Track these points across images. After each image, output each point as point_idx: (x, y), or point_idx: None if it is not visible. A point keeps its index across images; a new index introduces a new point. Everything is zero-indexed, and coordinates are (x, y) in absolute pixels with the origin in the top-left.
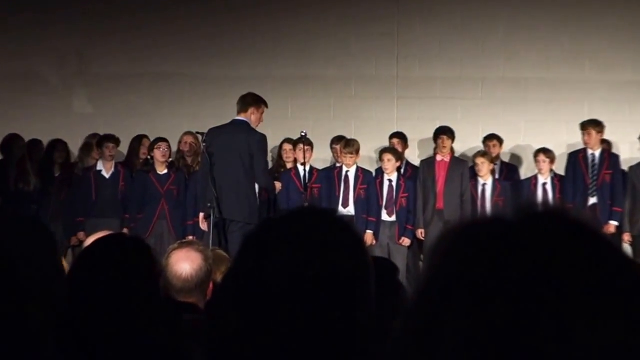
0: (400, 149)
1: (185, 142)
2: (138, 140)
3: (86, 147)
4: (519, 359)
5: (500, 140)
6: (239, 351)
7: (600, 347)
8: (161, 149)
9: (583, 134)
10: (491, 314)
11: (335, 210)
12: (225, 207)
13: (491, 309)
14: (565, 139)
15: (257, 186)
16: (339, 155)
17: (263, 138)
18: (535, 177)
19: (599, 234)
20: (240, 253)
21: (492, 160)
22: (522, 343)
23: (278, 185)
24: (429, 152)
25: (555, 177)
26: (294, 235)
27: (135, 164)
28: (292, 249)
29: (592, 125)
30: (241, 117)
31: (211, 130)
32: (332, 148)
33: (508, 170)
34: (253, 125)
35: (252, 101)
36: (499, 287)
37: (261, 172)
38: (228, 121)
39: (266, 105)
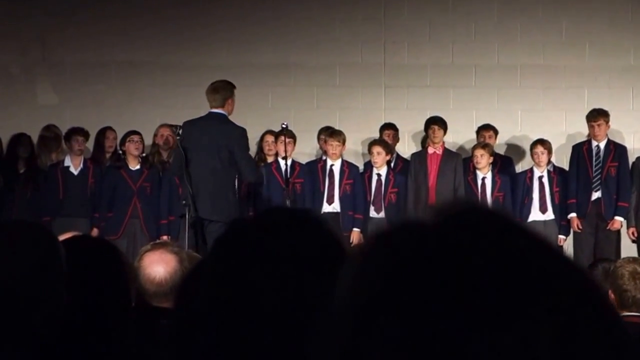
0: (391, 142)
1: (162, 135)
2: (102, 133)
3: (42, 141)
4: None
5: (495, 131)
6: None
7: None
8: (134, 142)
9: (591, 126)
10: (418, 326)
11: (309, 209)
12: (203, 206)
13: (409, 325)
14: (564, 128)
15: (236, 183)
16: (326, 146)
17: (244, 132)
18: (531, 170)
19: (524, 230)
20: (210, 256)
21: (492, 153)
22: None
23: None
24: (420, 145)
25: (553, 170)
26: (265, 239)
27: (101, 159)
28: (263, 254)
29: (603, 116)
30: (218, 110)
31: (186, 123)
32: (319, 139)
33: (502, 163)
34: (229, 116)
35: (227, 93)
36: (416, 303)
37: (247, 167)
38: (204, 113)
39: (235, 88)
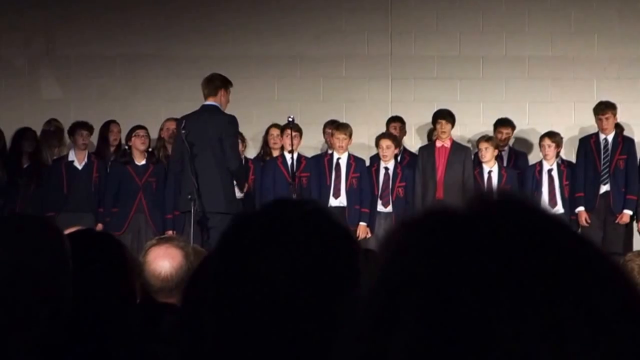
0: (398, 135)
1: (167, 129)
2: (106, 126)
3: (45, 136)
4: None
5: (513, 127)
6: (217, 354)
7: (560, 343)
8: (140, 137)
9: (599, 119)
10: (445, 313)
11: (316, 200)
12: (203, 199)
13: (444, 307)
14: (573, 121)
15: None
16: (332, 139)
17: (232, 119)
18: (539, 164)
19: (558, 222)
20: (216, 251)
21: (497, 146)
22: (477, 343)
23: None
24: (426, 138)
25: (562, 163)
26: (272, 232)
27: (105, 153)
28: (271, 247)
29: (611, 109)
30: (210, 102)
31: (185, 117)
32: (324, 132)
33: (516, 157)
34: (223, 108)
35: (220, 83)
36: (451, 286)
37: (231, 155)
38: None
39: (232, 85)
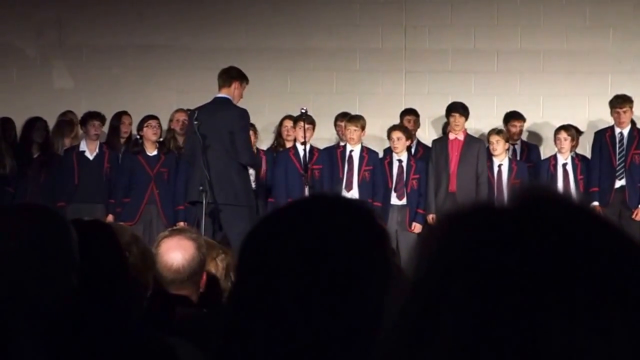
0: (411, 127)
1: (177, 120)
2: (117, 117)
3: (58, 127)
4: (519, 353)
5: (524, 120)
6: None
7: (610, 344)
8: (152, 127)
9: (617, 112)
10: (493, 305)
11: (362, 201)
12: (216, 191)
13: (494, 299)
14: (587, 115)
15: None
16: (344, 131)
17: (244, 112)
18: (554, 157)
19: (605, 221)
20: (243, 254)
21: (508, 139)
22: (524, 336)
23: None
24: (440, 131)
25: (577, 157)
26: (304, 231)
27: (116, 145)
28: (302, 247)
29: (629, 102)
30: (223, 94)
31: (198, 108)
32: (336, 125)
33: (529, 150)
34: (235, 101)
35: (236, 74)
36: (502, 277)
37: (243, 148)
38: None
39: (247, 82)
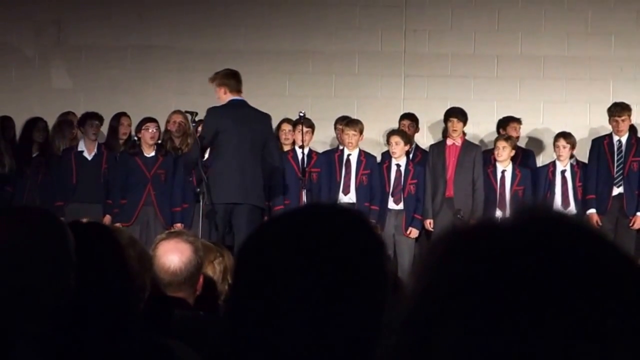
0: (409, 132)
1: (174, 122)
2: (116, 118)
3: (59, 127)
4: None
5: (520, 123)
6: None
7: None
8: (150, 130)
9: (614, 120)
10: (494, 320)
11: (357, 210)
12: (233, 190)
13: (494, 315)
14: (587, 121)
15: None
16: (342, 135)
17: (270, 117)
18: (553, 164)
19: (604, 239)
20: (241, 260)
21: (515, 146)
22: (525, 351)
23: None
24: (439, 136)
25: (576, 164)
26: (301, 238)
27: (115, 146)
28: (299, 254)
29: (627, 110)
30: (240, 97)
31: (221, 113)
32: (335, 128)
33: (523, 156)
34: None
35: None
36: (503, 294)
37: (278, 155)
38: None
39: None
